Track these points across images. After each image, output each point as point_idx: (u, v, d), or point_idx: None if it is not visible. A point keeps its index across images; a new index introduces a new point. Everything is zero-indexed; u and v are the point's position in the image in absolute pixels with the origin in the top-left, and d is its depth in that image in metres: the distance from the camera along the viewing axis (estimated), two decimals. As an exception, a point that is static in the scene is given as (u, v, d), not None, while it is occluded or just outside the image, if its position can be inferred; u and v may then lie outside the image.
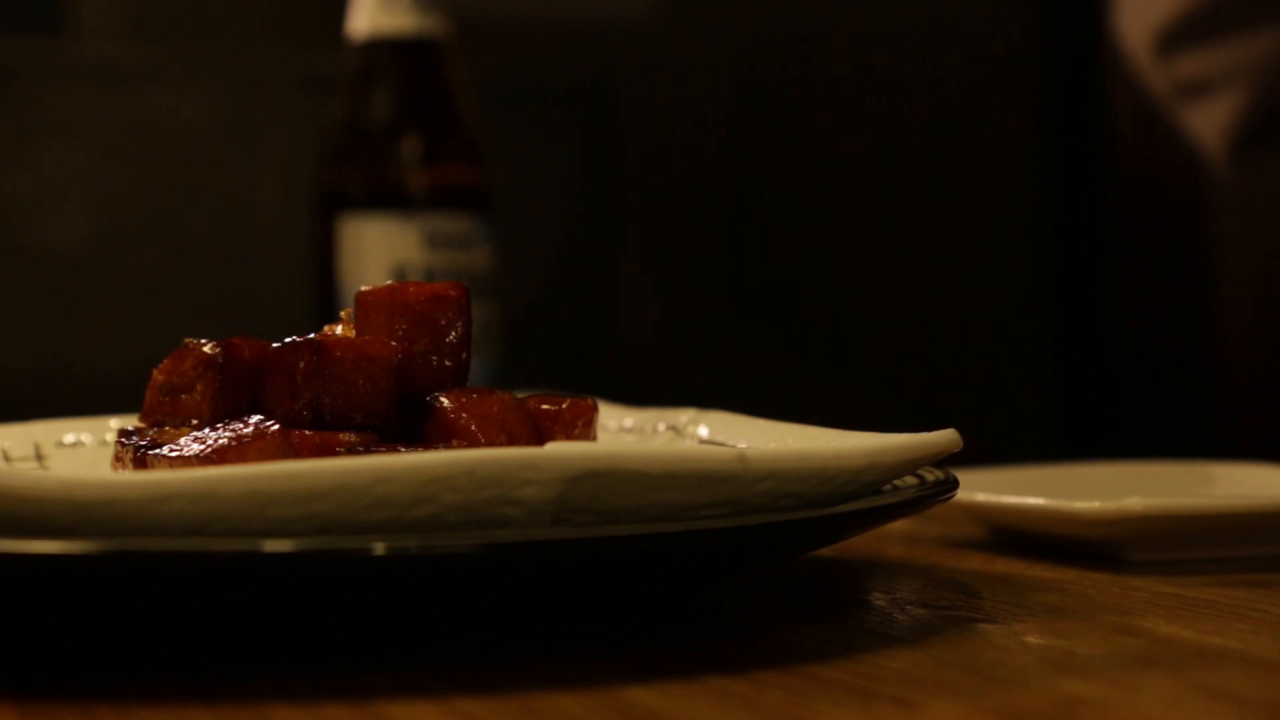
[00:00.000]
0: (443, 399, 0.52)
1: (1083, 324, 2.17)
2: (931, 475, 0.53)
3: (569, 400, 0.54)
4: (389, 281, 0.60)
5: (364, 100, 0.97)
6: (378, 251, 0.94)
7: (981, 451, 0.63)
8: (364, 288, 0.54)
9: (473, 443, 0.50)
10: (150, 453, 0.50)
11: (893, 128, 2.09)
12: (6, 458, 0.61)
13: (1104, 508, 0.57)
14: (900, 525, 0.66)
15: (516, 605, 0.46)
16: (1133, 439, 2.05)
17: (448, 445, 0.50)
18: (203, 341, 0.54)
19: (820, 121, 2.07)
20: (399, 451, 0.48)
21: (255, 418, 0.50)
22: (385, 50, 0.96)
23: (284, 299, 1.49)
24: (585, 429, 0.54)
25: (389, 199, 0.95)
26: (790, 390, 1.93)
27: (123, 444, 0.52)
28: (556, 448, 0.43)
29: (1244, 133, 1.06)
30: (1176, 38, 1.08)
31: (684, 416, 0.64)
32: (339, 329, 0.55)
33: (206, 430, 0.50)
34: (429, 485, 0.42)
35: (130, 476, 0.42)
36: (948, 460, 0.51)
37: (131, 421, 0.56)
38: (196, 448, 0.49)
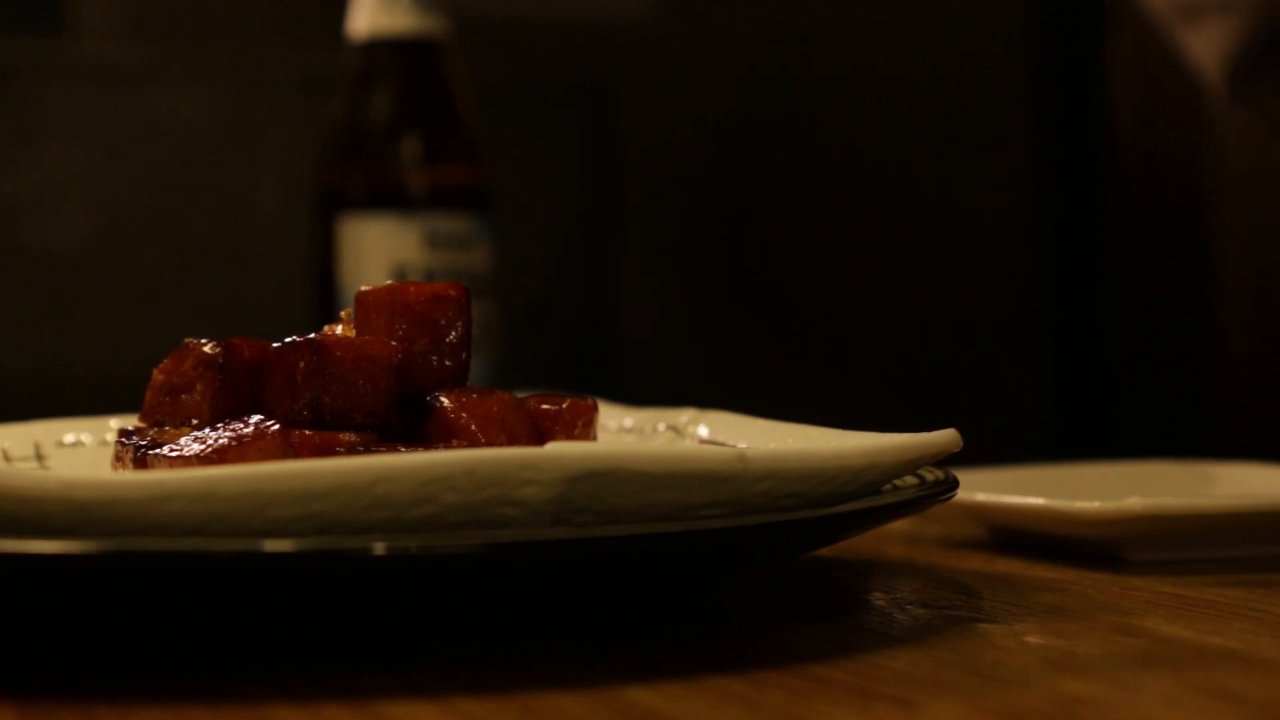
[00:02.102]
0: (443, 399, 0.52)
1: (1083, 324, 2.17)
2: (931, 475, 0.53)
3: (569, 400, 0.54)
4: (389, 281, 0.60)
5: (364, 100, 0.97)
6: (378, 251, 0.94)
7: (981, 451, 0.63)
8: (364, 288, 0.54)
9: (473, 443, 0.50)
10: (150, 453, 0.50)
11: (893, 128, 2.09)
12: (6, 458, 0.61)
13: (1104, 508, 0.57)
14: (900, 525, 0.66)
15: (516, 605, 0.46)
16: (1133, 439, 2.05)
17: (448, 445, 0.50)
18: (203, 341, 0.54)
19: (820, 121, 2.07)
20: (399, 451, 0.48)
21: (255, 418, 0.50)
22: (385, 50, 0.96)
23: (284, 299, 1.49)
24: (585, 429, 0.54)
25: (389, 199, 0.95)
26: (790, 390, 1.93)
27: (123, 444, 0.52)
28: (556, 448, 0.43)
29: (1243, 59, 1.05)
30: None
31: (684, 416, 0.64)
32: (339, 329, 0.55)
33: (206, 430, 0.50)
34: (429, 485, 0.42)
35: (130, 476, 0.42)
36: (948, 460, 0.51)
37: (131, 421, 0.56)
38: (196, 448, 0.49)
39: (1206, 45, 1.06)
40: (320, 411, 0.50)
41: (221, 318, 1.56)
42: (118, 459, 0.52)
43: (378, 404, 0.51)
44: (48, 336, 1.60)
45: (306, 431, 0.50)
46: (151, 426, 0.53)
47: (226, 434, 0.49)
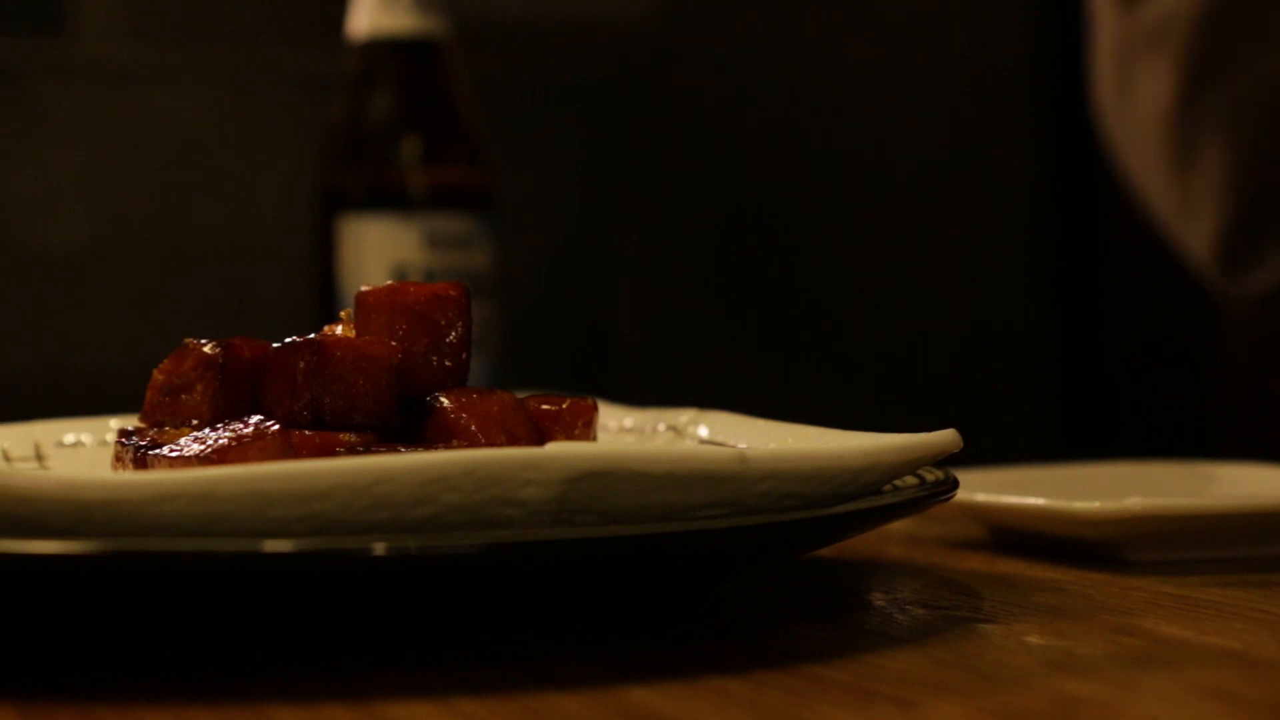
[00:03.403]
0: (443, 399, 0.52)
1: (1083, 324, 2.17)
2: (931, 475, 0.53)
3: (569, 400, 0.54)
4: (389, 281, 0.60)
5: (364, 100, 0.97)
6: (378, 251, 0.94)
7: (981, 451, 0.63)
8: (364, 288, 0.54)
9: (473, 443, 0.50)
10: (150, 453, 0.50)
11: (893, 128, 2.09)
12: (6, 458, 0.61)
13: (1104, 508, 0.57)
14: (900, 525, 0.66)
15: (516, 605, 0.46)
16: (1133, 439, 2.05)
17: (448, 445, 0.50)
18: (203, 341, 0.54)
19: (820, 122, 2.07)
20: (399, 451, 0.48)
21: (255, 418, 0.50)
22: (385, 50, 0.96)
23: (284, 299, 1.49)
24: (585, 429, 0.54)
25: (389, 199, 0.95)
26: (790, 390, 1.93)
27: (123, 444, 0.52)
28: (556, 448, 0.43)
29: (1231, 239, 1.06)
30: None
31: (684, 416, 0.64)
32: (339, 329, 0.55)
33: (206, 430, 0.50)
34: (429, 485, 0.42)
35: (130, 476, 0.42)
36: (948, 460, 0.51)
37: (131, 421, 0.56)
38: (196, 448, 0.49)
39: (1201, 233, 1.07)
40: (320, 412, 0.50)
41: (221, 318, 1.56)
42: (118, 459, 0.52)
43: (378, 404, 0.51)
44: (48, 336, 1.60)
45: (306, 431, 0.50)
46: (151, 427, 0.53)
47: (226, 434, 0.49)
